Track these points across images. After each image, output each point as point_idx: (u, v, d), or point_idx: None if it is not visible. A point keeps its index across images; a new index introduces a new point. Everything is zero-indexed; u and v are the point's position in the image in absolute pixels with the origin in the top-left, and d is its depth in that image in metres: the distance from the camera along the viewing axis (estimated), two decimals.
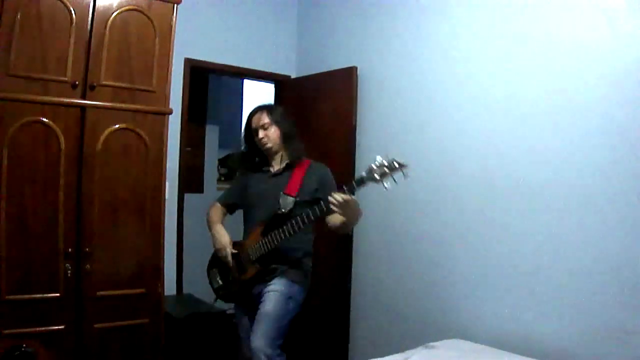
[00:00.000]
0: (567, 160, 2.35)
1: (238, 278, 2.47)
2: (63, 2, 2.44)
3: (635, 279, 2.08)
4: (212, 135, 4.85)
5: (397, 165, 2.06)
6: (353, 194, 2.13)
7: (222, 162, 5.16)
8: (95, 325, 2.55)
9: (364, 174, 2.12)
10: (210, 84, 4.81)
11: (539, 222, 2.44)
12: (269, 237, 2.33)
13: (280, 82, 4.09)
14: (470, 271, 2.73)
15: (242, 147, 2.66)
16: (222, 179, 5.13)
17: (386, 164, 2.08)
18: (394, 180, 2.07)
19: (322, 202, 2.19)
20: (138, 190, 2.68)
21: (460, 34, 2.87)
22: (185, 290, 3.61)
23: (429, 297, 2.93)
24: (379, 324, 3.25)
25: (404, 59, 3.19)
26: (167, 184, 2.81)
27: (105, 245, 2.59)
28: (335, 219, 2.30)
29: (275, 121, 2.48)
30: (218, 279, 2.58)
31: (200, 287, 3.77)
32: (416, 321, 2.98)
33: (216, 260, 2.58)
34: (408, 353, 2.31)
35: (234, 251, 2.48)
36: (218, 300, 2.65)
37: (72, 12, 2.47)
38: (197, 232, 4.07)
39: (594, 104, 2.27)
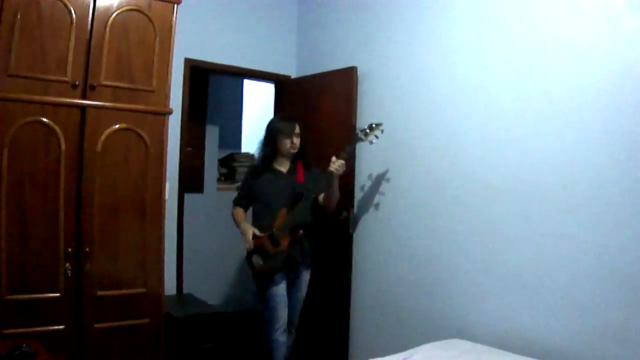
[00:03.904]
0: (566, 161, 2.35)
1: (275, 251, 2.93)
2: (63, 2, 2.45)
3: (635, 279, 2.08)
4: (212, 135, 4.84)
5: (374, 125, 2.94)
6: (348, 155, 2.97)
7: (222, 162, 5.15)
8: (95, 325, 2.56)
9: (353, 138, 3.02)
10: (210, 84, 4.81)
11: (539, 223, 2.44)
12: (295, 209, 2.92)
13: (280, 82, 4.08)
14: (471, 271, 2.73)
15: (260, 150, 3.14)
16: (222, 179, 5.12)
17: (366, 127, 2.96)
18: (376, 137, 2.94)
19: (323, 174, 2.93)
20: (138, 190, 2.69)
21: (460, 35, 2.86)
22: (185, 290, 3.61)
23: (429, 297, 2.93)
24: (379, 324, 3.24)
25: (404, 59, 3.19)
26: (167, 184, 2.82)
27: (105, 245, 2.59)
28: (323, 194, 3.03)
29: (300, 131, 3.10)
30: (259, 260, 2.98)
31: (200, 287, 3.79)
32: (416, 321, 2.98)
33: (253, 250, 3.00)
34: (408, 353, 2.31)
35: (260, 234, 2.95)
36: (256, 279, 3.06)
37: (72, 12, 2.47)
38: (197, 232, 4.10)
39: (593, 104, 2.27)
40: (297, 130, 3.06)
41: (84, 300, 2.53)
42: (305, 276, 3.09)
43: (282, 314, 2.97)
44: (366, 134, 2.92)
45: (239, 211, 3.16)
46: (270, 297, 2.97)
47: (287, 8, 4.09)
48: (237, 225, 3.12)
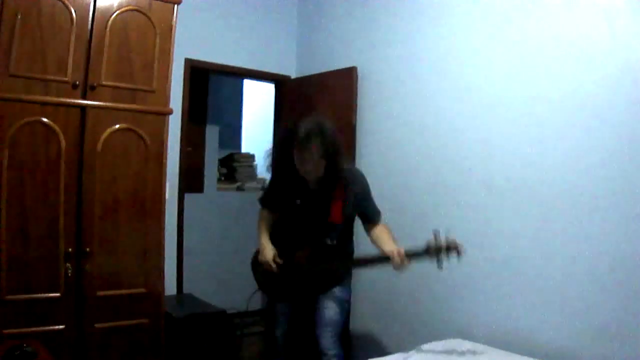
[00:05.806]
0: (566, 161, 2.35)
1: (291, 284, 2.49)
2: (63, 2, 2.45)
3: (635, 279, 2.08)
4: (212, 135, 4.84)
5: (454, 245, 2.12)
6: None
7: (222, 162, 5.16)
8: (95, 325, 2.55)
9: (421, 249, 2.16)
10: (210, 84, 4.81)
11: (538, 223, 2.44)
12: (319, 268, 2.43)
13: (280, 82, 4.09)
14: (471, 271, 2.72)
15: (270, 170, 2.58)
16: (222, 179, 5.12)
17: (443, 243, 2.11)
18: (447, 260, 2.13)
19: (379, 258, 2.31)
20: (138, 191, 2.68)
21: (460, 35, 2.87)
22: (185, 290, 3.62)
23: (429, 297, 2.93)
24: (379, 324, 3.25)
25: (404, 59, 3.19)
26: (167, 184, 2.81)
27: (105, 245, 2.59)
28: (383, 242, 2.36)
29: (325, 153, 2.27)
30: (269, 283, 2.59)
31: (200, 287, 3.79)
32: (416, 321, 2.98)
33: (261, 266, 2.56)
34: (408, 353, 2.32)
35: (279, 261, 2.44)
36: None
37: (72, 12, 2.47)
38: (197, 232, 4.09)
39: (593, 104, 2.27)
40: (315, 150, 2.23)
41: (84, 300, 2.53)
42: (334, 293, 2.47)
43: (277, 334, 2.65)
44: (439, 253, 2.13)
45: (265, 215, 2.59)
46: (275, 312, 2.68)
47: (287, 8, 4.09)
48: (257, 235, 2.57)
